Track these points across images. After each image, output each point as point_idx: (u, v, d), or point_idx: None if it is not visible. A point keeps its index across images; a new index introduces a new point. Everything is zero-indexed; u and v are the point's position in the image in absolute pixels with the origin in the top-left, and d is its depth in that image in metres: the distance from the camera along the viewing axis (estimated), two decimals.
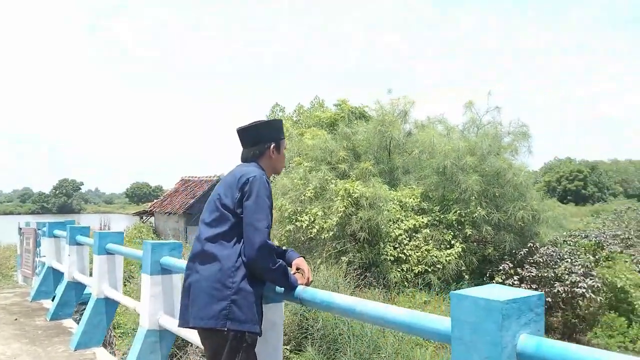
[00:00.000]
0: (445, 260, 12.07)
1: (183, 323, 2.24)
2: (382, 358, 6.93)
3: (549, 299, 11.31)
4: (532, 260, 12.13)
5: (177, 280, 3.83)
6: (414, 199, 13.34)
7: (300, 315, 7.39)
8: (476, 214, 12.57)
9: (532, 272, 11.72)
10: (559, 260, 12.09)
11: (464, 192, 12.76)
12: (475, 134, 15.18)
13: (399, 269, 11.87)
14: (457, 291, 1.55)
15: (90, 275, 5.43)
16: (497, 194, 13.11)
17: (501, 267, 12.27)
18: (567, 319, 11.71)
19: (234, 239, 2.21)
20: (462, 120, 16.78)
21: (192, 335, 3.44)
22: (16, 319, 5.77)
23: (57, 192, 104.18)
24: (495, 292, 1.53)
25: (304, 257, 2.57)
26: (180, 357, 6.61)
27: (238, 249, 2.19)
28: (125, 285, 8.25)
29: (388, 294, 10.83)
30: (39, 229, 7.67)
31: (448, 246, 12.52)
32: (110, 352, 5.28)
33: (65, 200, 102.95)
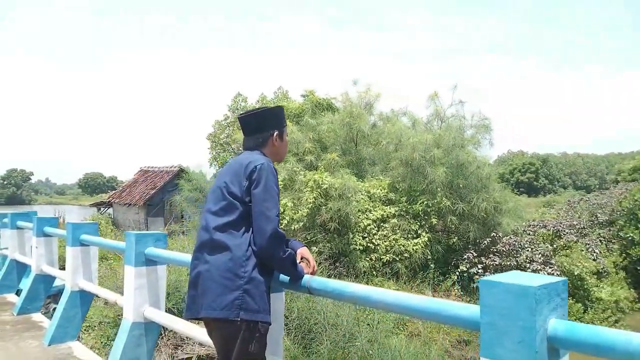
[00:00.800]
0: (413, 249, 12.30)
1: (191, 314, 2.17)
2: (357, 347, 7.01)
3: None
4: (495, 250, 12.52)
5: (162, 271, 3.75)
6: (381, 190, 13.50)
7: None
8: (442, 205, 12.84)
9: (495, 261, 12.11)
10: (520, 250, 12.54)
11: (430, 184, 13.00)
12: (439, 127, 15.47)
13: (367, 258, 12.01)
14: (485, 278, 1.57)
15: (62, 268, 5.22)
16: (461, 185, 13.43)
17: (465, 256, 12.62)
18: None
19: (243, 227, 2.16)
20: (426, 113, 17.08)
21: (181, 327, 3.37)
22: None
23: (6, 182, 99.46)
24: (523, 278, 1.56)
25: (307, 246, 2.55)
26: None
27: (248, 237, 2.14)
28: None
29: (358, 283, 10.94)
30: None
31: (415, 236, 12.75)
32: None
33: (14, 191, 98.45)
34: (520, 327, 1.48)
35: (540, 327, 1.48)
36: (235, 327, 2.05)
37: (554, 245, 13.79)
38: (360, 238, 12.25)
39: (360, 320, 7.65)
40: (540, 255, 12.42)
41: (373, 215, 12.72)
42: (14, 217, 6.58)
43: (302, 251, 2.42)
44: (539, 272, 11.58)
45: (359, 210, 12.54)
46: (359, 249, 12.03)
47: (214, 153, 30.83)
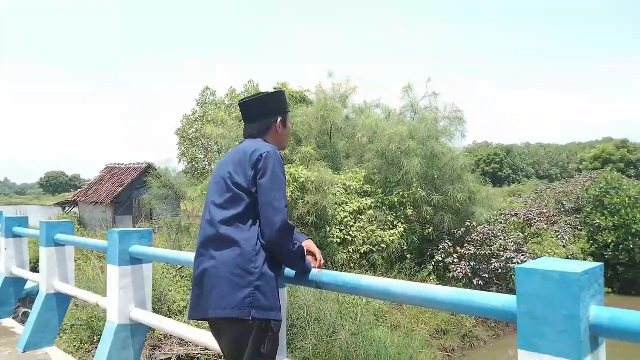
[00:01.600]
0: (389, 240, 12.32)
1: (197, 314, 2.01)
2: (341, 340, 6.95)
3: (486, 275, 11.90)
4: (470, 239, 12.67)
5: (148, 270, 3.57)
6: (357, 182, 13.47)
7: None
8: (417, 195, 12.91)
9: (470, 250, 12.25)
10: (493, 238, 12.72)
11: (406, 175, 13.04)
12: (412, 118, 15.54)
13: (345, 251, 11.97)
14: (522, 265, 1.49)
15: (36, 270, 4.94)
16: (436, 176, 13.53)
17: (441, 246, 12.73)
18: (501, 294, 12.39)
19: (250, 220, 2.02)
20: (399, 105, 17.12)
21: (172, 328, 3.21)
22: None
23: None
24: (562, 264, 1.49)
25: (311, 239, 2.43)
26: None
27: (256, 231, 2.01)
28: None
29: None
30: None
31: (391, 227, 12.78)
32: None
33: None
34: (564, 316, 1.40)
35: (584, 316, 1.41)
36: (246, 327, 1.91)
37: (525, 233, 14.07)
38: (338, 231, 12.19)
39: (343, 314, 7.59)
40: (513, 243, 12.64)
41: (350, 208, 12.69)
42: None
43: (308, 244, 2.29)
44: (512, 260, 11.80)
45: (335, 203, 12.48)
46: (337, 242, 11.98)
47: (183, 149, 30.27)
